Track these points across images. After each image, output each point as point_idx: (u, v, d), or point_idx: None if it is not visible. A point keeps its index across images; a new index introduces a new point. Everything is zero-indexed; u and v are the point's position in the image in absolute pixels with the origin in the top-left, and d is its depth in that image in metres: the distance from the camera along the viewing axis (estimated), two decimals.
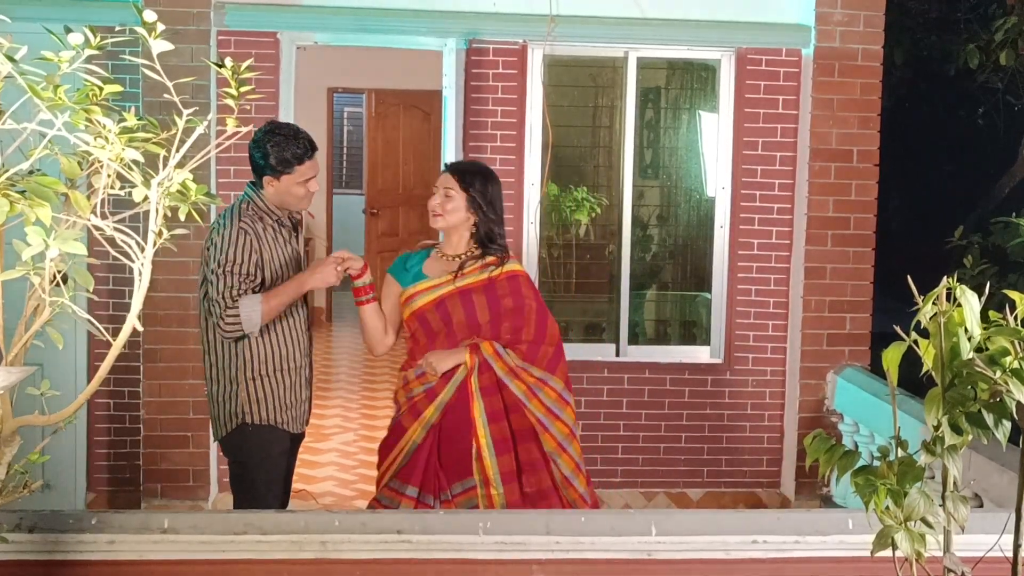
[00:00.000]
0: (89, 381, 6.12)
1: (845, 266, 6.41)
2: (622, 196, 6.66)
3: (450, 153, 6.11)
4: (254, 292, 4.21)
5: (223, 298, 4.14)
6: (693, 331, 7.08)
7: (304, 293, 4.35)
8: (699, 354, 6.70)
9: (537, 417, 4.24)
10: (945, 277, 2.66)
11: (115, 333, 2.50)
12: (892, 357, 2.67)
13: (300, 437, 4.60)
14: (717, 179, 6.63)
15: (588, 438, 6.54)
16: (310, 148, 4.31)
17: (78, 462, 6.25)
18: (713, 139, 6.68)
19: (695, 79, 7.03)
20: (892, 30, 6.75)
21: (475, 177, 4.31)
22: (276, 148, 4.25)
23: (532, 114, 6.42)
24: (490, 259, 4.32)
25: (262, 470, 4.40)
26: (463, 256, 4.33)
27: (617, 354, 6.62)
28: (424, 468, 4.19)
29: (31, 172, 2.38)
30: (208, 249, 4.25)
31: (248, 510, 3.37)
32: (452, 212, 4.28)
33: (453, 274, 4.28)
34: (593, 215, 6.94)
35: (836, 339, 6.42)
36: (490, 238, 4.32)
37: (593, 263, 7.18)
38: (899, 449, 2.43)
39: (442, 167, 4.56)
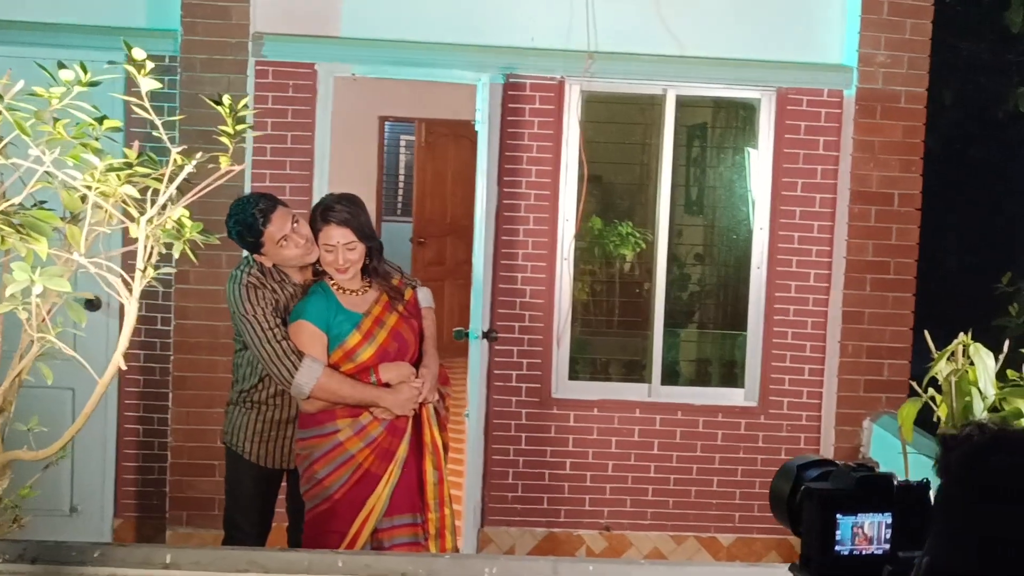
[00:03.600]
0: (118, 407, 6.19)
1: (884, 311, 6.27)
2: (658, 234, 6.57)
3: (482, 189, 6.07)
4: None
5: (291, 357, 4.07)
6: (728, 373, 6.97)
7: (369, 406, 4.18)
8: (733, 397, 6.58)
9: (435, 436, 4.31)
10: (961, 333, 2.58)
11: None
12: (907, 413, 2.59)
13: (281, 473, 4.51)
14: (755, 219, 6.53)
15: (618, 479, 6.46)
16: (262, 217, 4.14)
17: (105, 487, 6.24)
18: (752, 179, 6.59)
19: (734, 117, 6.95)
20: (941, 70, 6.64)
21: (363, 219, 4.23)
22: (238, 225, 4.16)
23: (568, 150, 6.37)
24: (394, 281, 4.35)
25: (231, 494, 4.44)
26: (369, 287, 4.30)
27: (649, 394, 6.52)
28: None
29: (34, 205, 2.37)
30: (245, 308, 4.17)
31: (252, 548, 3.34)
32: (357, 262, 4.23)
33: (383, 319, 4.26)
34: (638, 250, 6.87)
35: (873, 385, 6.28)
36: (375, 266, 4.30)
37: (629, 301, 7.10)
38: None
39: (319, 216, 4.24)
